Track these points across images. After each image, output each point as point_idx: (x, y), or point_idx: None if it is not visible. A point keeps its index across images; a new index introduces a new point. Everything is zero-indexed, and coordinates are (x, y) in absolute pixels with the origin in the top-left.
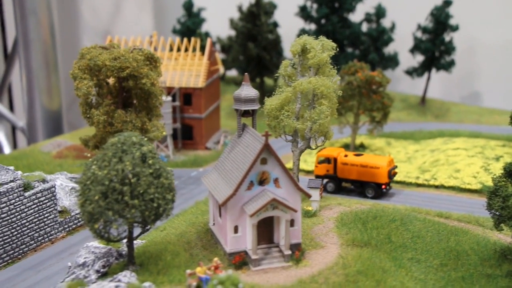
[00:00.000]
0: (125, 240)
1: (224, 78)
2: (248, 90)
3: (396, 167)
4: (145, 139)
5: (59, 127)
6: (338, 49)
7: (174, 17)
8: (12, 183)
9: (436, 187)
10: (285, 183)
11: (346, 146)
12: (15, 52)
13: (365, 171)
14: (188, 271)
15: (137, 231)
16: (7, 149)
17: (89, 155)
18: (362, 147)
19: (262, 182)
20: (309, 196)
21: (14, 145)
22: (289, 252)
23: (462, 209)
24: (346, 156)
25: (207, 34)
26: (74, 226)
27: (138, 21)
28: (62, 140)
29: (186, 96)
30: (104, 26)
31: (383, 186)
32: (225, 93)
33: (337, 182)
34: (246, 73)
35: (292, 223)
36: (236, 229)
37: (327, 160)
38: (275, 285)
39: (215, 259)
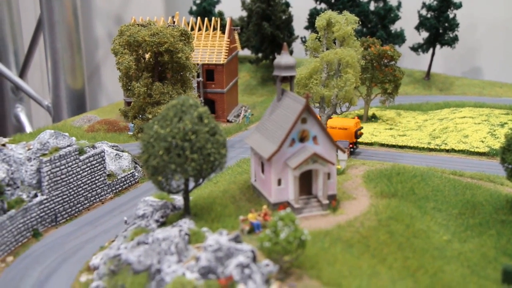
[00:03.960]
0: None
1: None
2: (287, 58)
3: (362, 128)
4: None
5: (82, 105)
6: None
7: None
8: (69, 147)
9: (447, 151)
10: (323, 140)
11: (359, 117)
12: (39, 33)
13: (334, 132)
14: (241, 217)
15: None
16: (28, 128)
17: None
18: (374, 117)
19: (302, 139)
20: (343, 151)
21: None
22: (327, 201)
23: (473, 169)
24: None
25: (221, 14)
26: (120, 188)
27: (149, 4)
28: (92, 115)
29: (208, 72)
30: (116, 9)
31: (351, 145)
32: (239, 71)
33: None
34: (285, 43)
35: (328, 176)
36: (279, 182)
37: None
38: (317, 229)
39: (264, 206)
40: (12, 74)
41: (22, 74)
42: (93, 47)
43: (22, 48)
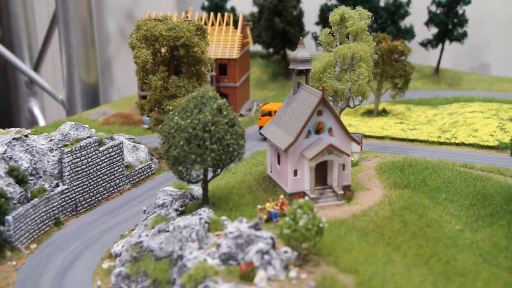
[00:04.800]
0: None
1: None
2: (303, 52)
3: None
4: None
5: (96, 99)
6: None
7: None
8: (89, 139)
9: (457, 144)
10: (338, 132)
11: (370, 112)
12: (53, 28)
13: None
14: (259, 206)
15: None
16: (42, 122)
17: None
18: (384, 112)
19: (318, 131)
20: (358, 143)
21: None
22: (342, 192)
23: (483, 162)
24: None
25: (233, 10)
26: (137, 179)
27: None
28: (107, 109)
29: (221, 67)
30: (127, 4)
31: None
32: (250, 66)
33: None
34: (301, 38)
35: (343, 167)
36: (295, 173)
37: (269, 113)
38: (332, 218)
39: (281, 196)
40: (28, 69)
41: (36, 68)
42: (105, 42)
43: (36, 43)
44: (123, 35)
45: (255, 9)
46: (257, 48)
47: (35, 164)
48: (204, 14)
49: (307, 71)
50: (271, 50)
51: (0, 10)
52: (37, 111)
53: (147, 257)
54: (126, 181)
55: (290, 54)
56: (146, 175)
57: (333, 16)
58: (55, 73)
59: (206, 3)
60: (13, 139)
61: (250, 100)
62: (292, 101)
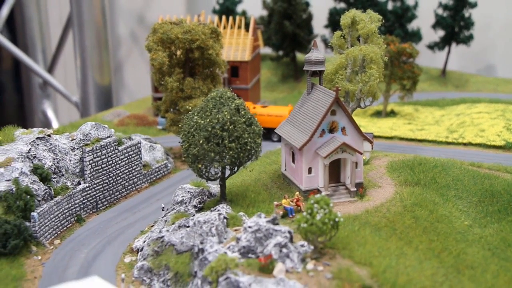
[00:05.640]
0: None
1: None
2: (317, 54)
3: None
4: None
5: (109, 101)
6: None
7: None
8: (109, 138)
9: (464, 144)
10: (351, 131)
11: (378, 113)
12: (67, 31)
13: (270, 119)
14: (275, 202)
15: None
16: (55, 124)
17: None
18: (392, 113)
19: (331, 130)
20: (370, 142)
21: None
22: (354, 189)
23: (490, 161)
24: (254, 107)
25: (245, 13)
26: (154, 178)
27: (171, 3)
28: (121, 110)
29: (233, 69)
30: (138, 8)
31: None
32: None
33: None
34: (315, 40)
35: (356, 165)
36: (310, 170)
37: None
38: (346, 214)
39: (297, 193)
40: (43, 71)
41: (50, 71)
42: (116, 45)
43: (49, 46)
44: (134, 38)
45: (265, 13)
46: (267, 50)
47: (57, 162)
48: (216, 18)
49: (321, 72)
50: (280, 52)
51: (15, 14)
52: (50, 113)
53: (168, 251)
54: (144, 180)
55: (299, 56)
56: (163, 174)
57: (345, 19)
58: (67, 76)
59: (217, 7)
60: (37, 138)
61: (261, 102)
62: (306, 101)
